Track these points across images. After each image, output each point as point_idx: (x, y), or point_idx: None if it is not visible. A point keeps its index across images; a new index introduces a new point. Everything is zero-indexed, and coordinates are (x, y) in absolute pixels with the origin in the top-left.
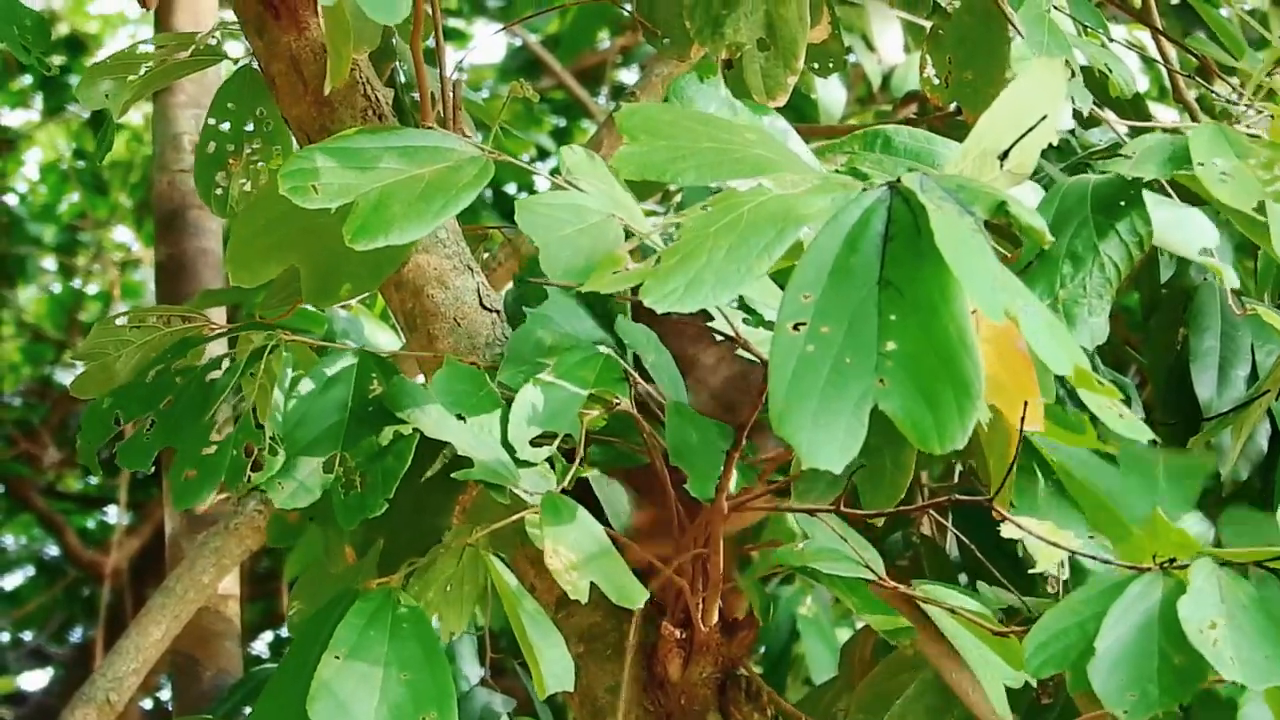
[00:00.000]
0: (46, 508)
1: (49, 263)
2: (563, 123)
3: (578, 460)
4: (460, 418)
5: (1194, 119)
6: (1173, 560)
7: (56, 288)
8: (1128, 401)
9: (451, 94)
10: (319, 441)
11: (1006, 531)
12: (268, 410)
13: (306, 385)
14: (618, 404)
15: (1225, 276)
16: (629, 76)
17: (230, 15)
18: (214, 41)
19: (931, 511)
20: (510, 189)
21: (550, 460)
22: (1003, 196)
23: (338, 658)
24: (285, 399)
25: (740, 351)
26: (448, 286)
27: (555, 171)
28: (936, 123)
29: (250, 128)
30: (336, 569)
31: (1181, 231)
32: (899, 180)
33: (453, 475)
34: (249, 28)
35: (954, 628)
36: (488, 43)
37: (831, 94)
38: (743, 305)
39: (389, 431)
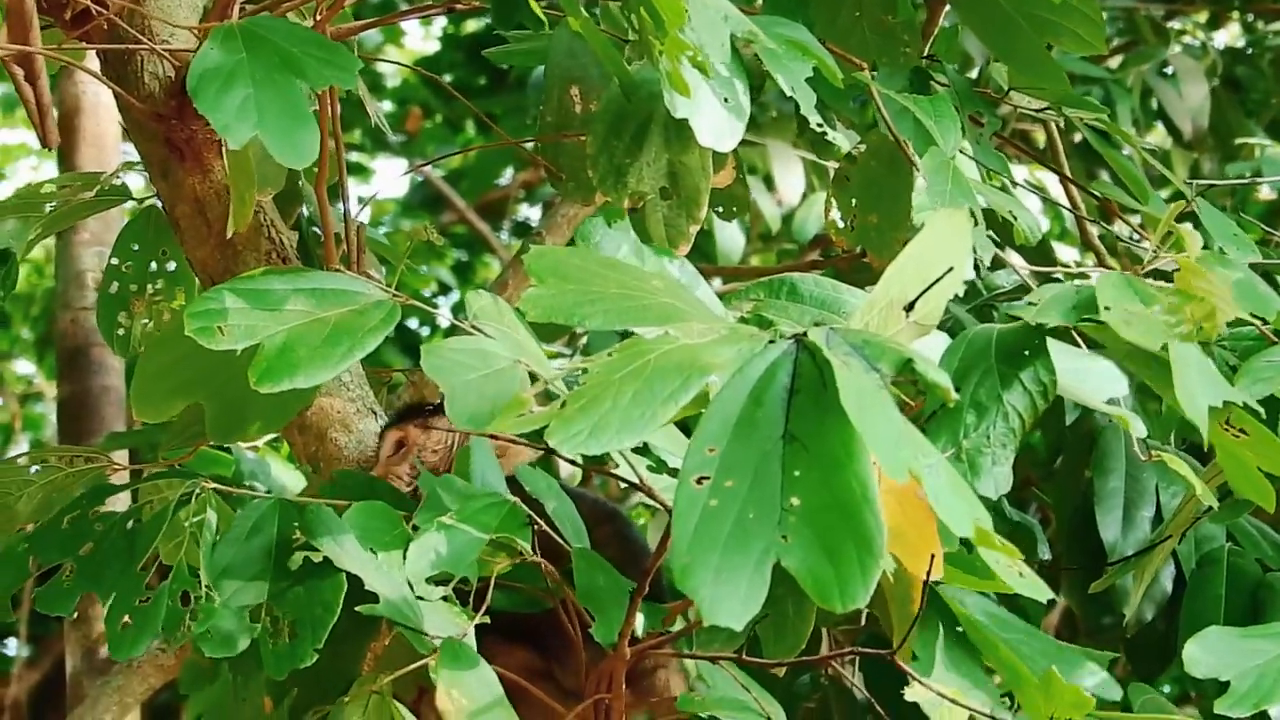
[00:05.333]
0: None
1: None
2: (465, 257)
3: (485, 603)
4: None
5: (1101, 262)
6: None
7: None
8: (1034, 543)
9: (356, 236)
10: (245, 589)
11: (911, 695)
12: (200, 559)
13: (229, 532)
14: (523, 558)
15: (1132, 425)
16: (531, 212)
17: (134, 151)
18: (119, 181)
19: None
20: (412, 323)
21: (446, 600)
22: (908, 353)
23: None
24: (210, 547)
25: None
26: (351, 430)
27: (457, 309)
28: (841, 265)
29: (154, 268)
30: (249, 718)
31: (1088, 381)
32: (805, 334)
33: (358, 609)
34: (154, 169)
35: None
36: (390, 177)
37: (731, 236)
38: (648, 452)
39: (299, 558)
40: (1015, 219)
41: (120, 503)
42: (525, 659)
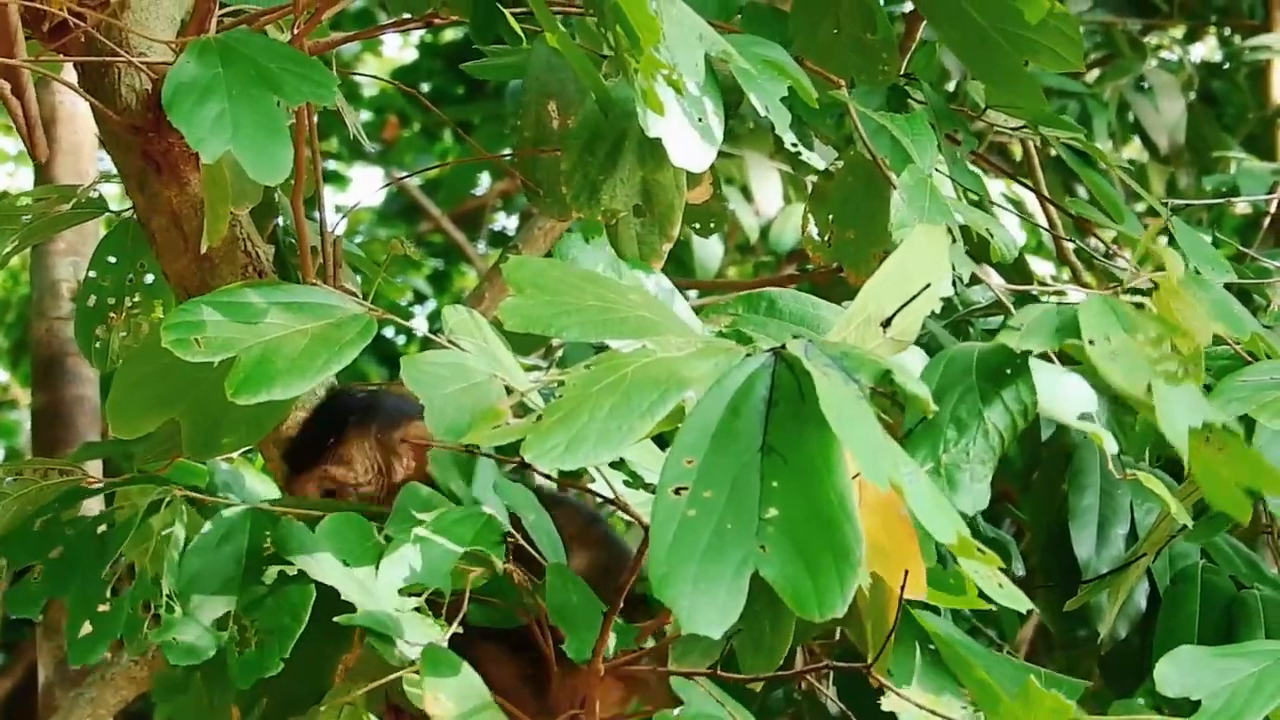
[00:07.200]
0: None
1: None
2: (441, 266)
3: (459, 616)
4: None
5: (1077, 277)
6: None
7: None
8: (1008, 559)
9: (332, 249)
10: (214, 598)
11: (888, 705)
12: (164, 567)
13: (199, 540)
14: (503, 568)
15: (1105, 443)
16: (508, 221)
17: (110, 163)
18: (95, 194)
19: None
20: (388, 332)
21: (419, 611)
22: (887, 365)
23: None
24: (179, 554)
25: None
26: None
27: (433, 320)
28: (819, 279)
29: (131, 281)
30: None
31: (1060, 397)
32: (783, 347)
33: (335, 619)
34: (130, 182)
35: None
36: (367, 186)
37: (709, 248)
38: (624, 467)
39: (273, 571)
40: (992, 236)
41: (93, 508)
42: (520, 670)
